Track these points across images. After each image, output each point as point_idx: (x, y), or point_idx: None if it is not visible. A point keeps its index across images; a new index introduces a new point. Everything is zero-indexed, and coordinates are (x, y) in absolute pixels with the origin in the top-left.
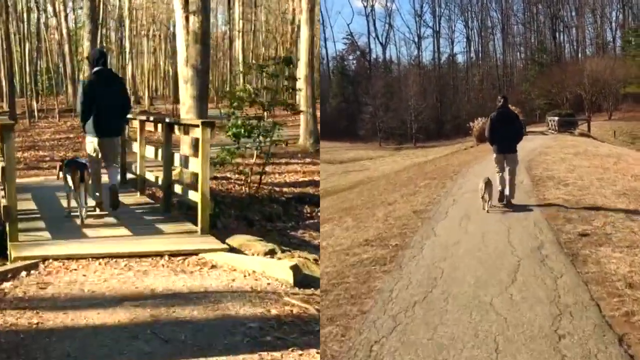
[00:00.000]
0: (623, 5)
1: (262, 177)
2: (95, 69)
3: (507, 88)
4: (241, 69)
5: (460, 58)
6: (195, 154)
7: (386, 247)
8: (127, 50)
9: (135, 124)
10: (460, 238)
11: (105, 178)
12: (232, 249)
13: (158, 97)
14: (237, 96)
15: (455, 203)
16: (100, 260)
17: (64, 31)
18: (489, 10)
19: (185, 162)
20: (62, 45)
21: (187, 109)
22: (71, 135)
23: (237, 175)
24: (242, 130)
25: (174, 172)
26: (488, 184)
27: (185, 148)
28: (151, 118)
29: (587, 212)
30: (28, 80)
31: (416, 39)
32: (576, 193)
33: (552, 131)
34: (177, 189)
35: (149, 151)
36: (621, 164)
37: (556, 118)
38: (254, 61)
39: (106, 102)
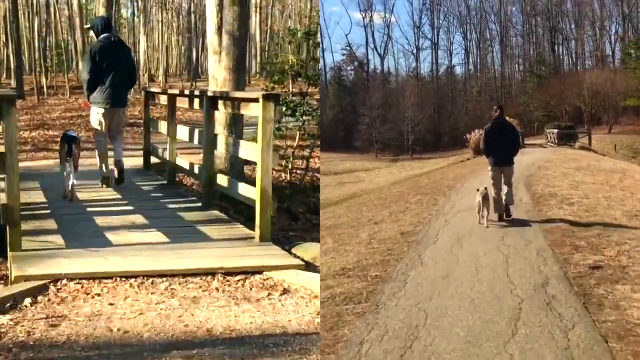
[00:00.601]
0: (624, 18)
1: (308, 163)
2: (102, 36)
3: (505, 100)
4: (286, 37)
5: (458, 70)
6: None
7: (365, 278)
8: (141, 24)
9: (163, 99)
10: (450, 270)
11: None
12: (307, 265)
13: (171, 75)
14: (279, 69)
15: (447, 224)
16: (132, 281)
17: (75, 5)
18: (488, 23)
19: (229, 146)
20: (72, 20)
21: (220, 84)
22: (83, 114)
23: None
24: (286, 108)
25: (217, 160)
26: (485, 197)
27: (220, 129)
28: (186, 92)
29: (596, 238)
30: (37, 57)
31: (415, 51)
32: (582, 214)
33: (552, 144)
34: (221, 180)
35: (182, 132)
36: (627, 180)
37: (556, 131)
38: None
39: (112, 70)
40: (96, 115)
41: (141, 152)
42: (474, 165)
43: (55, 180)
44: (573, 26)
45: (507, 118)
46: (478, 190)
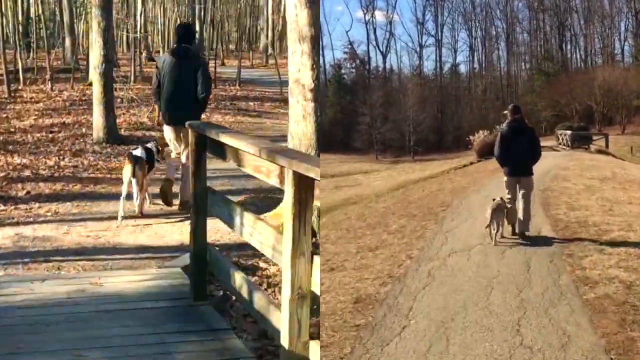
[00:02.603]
0: (636, 13)
1: None
2: (174, 46)
3: (511, 99)
4: None
5: (463, 68)
6: None
7: None
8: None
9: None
10: None
11: None
12: None
13: None
14: None
15: (432, 281)
16: None
17: None
18: (494, 19)
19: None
20: None
21: None
22: (68, 120)
23: None
24: None
25: None
26: (496, 210)
27: None
28: None
29: None
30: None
31: (417, 48)
32: (636, 263)
33: (564, 147)
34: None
35: None
36: None
37: (568, 132)
38: None
39: (172, 84)
40: (165, 132)
41: None
42: (477, 172)
43: None
44: (582, 22)
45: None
46: (493, 200)
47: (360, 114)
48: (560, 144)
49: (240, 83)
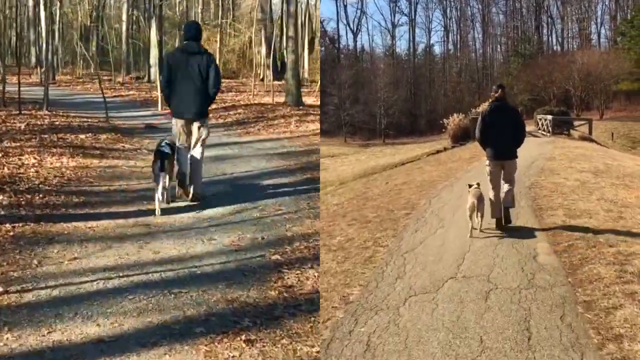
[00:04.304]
0: None
1: None
2: (184, 42)
3: (486, 81)
4: None
5: (437, 49)
6: None
7: None
8: None
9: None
10: None
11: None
12: None
13: None
14: None
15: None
16: None
17: None
18: None
19: None
20: None
21: None
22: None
23: None
24: None
25: None
26: (480, 198)
27: None
28: None
29: None
30: None
31: (390, 27)
32: None
33: (544, 133)
34: None
35: None
36: None
37: (549, 117)
38: None
39: (186, 79)
40: (174, 127)
41: None
42: (450, 160)
43: None
44: (559, 3)
45: (485, 103)
46: (470, 187)
47: (329, 94)
48: (540, 129)
49: (49, 106)
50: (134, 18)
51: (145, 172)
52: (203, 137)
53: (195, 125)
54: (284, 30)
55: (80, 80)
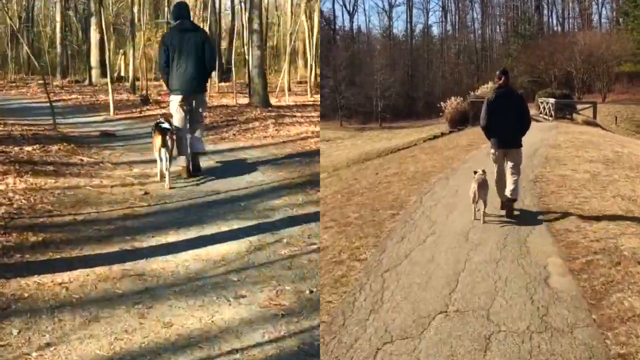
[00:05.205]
0: None
1: None
2: (177, 22)
3: (486, 63)
4: None
5: (435, 30)
6: None
7: None
8: None
9: None
10: None
11: None
12: None
13: None
14: None
15: None
16: None
17: None
18: None
19: None
20: None
21: None
22: None
23: None
24: None
25: None
26: (482, 184)
27: None
28: None
29: None
30: None
31: (387, 8)
32: None
33: (546, 117)
34: None
35: None
36: None
37: (552, 100)
38: None
39: (185, 55)
40: (173, 103)
41: None
42: (447, 148)
43: None
44: None
45: (485, 86)
46: (475, 173)
47: (324, 76)
48: (541, 113)
49: None
50: (68, 19)
51: (116, 194)
52: (201, 111)
53: (194, 100)
54: (244, 25)
55: (14, 84)
